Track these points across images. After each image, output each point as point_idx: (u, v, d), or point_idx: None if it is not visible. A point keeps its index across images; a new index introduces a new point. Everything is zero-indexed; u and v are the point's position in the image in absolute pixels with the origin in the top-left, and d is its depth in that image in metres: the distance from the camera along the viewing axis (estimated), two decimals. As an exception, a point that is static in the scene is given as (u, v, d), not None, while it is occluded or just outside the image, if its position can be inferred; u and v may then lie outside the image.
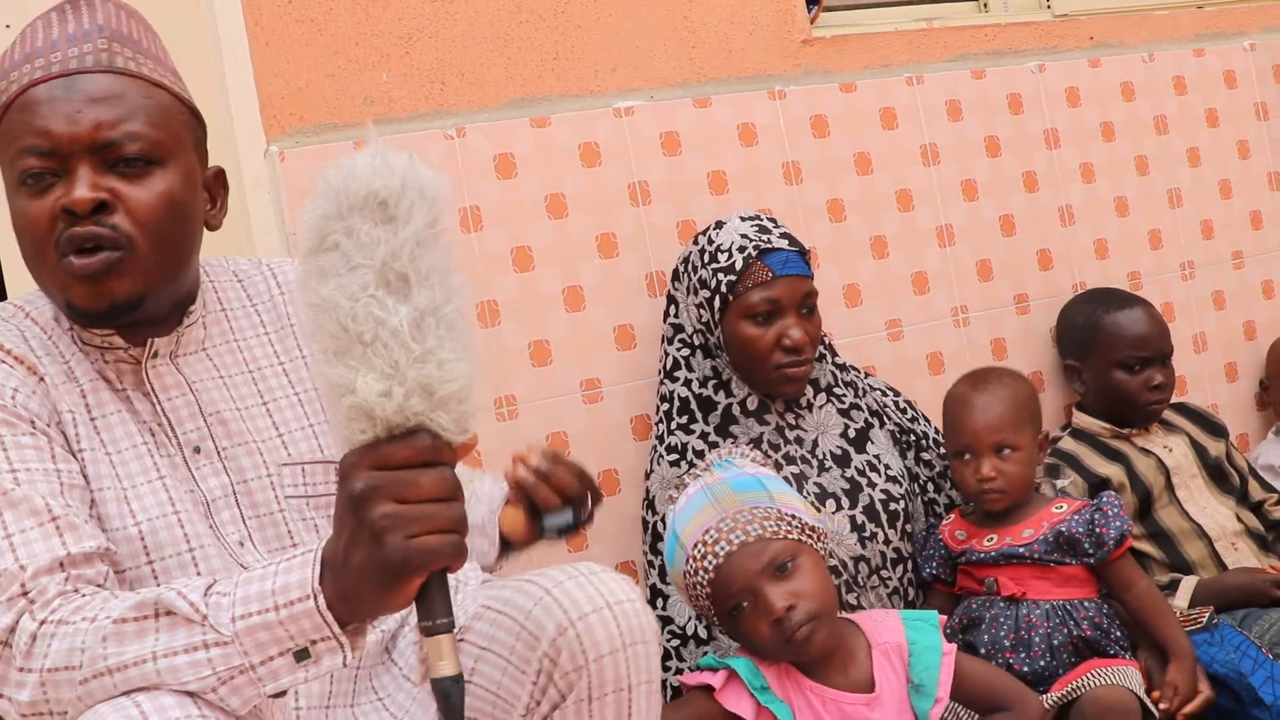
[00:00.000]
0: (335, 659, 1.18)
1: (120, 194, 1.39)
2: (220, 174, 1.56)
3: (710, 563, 1.79)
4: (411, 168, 1.11)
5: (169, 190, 1.42)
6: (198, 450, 1.47)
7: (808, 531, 1.84)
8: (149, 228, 1.40)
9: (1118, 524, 2.07)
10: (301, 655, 1.16)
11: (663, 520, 2.11)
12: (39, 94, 1.39)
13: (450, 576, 1.17)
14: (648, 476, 2.22)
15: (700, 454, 2.15)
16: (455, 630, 1.15)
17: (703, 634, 2.09)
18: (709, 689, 1.83)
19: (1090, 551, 2.07)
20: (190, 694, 1.16)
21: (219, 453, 1.48)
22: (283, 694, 1.20)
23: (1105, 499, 2.12)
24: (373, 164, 1.10)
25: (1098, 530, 2.07)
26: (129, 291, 1.40)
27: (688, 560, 1.82)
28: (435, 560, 1.11)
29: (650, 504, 2.17)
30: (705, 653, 2.02)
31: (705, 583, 1.81)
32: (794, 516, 1.83)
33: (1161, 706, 1.99)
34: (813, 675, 1.84)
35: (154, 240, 1.41)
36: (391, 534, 1.09)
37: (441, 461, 1.12)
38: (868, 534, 2.14)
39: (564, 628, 1.35)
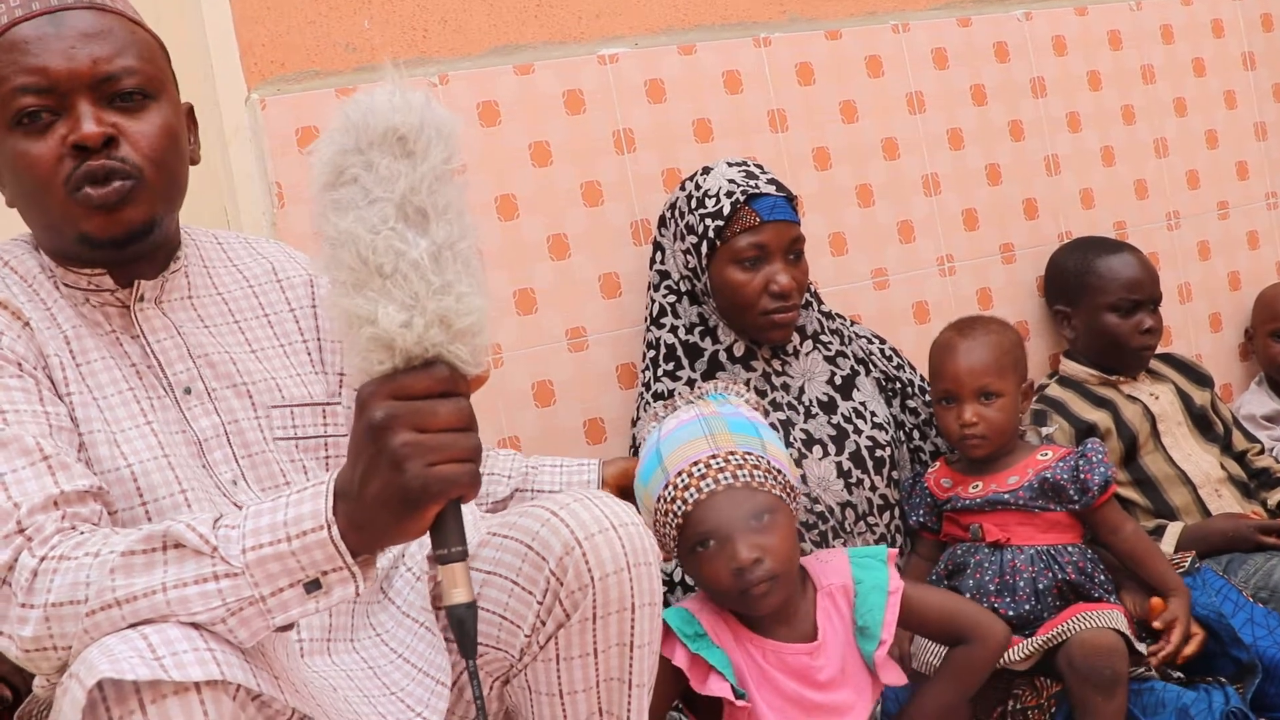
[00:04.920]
0: (347, 589, 1.18)
1: (122, 128, 1.42)
2: (190, 110, 1.58)
3: (691, 495, 1.74)
4: (428, 105, 1.13)
5: (166, 122, 1.45)
6: (188, 391, 1.47)
7: (788, 490, 1.80)
8: (153, 158, 1.43)
9: (1102, 470, 2.08)
10: (312, 586, 1.17)
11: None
12: (25, 32, 1.39)
13: None
14: (634, 424, 2.22)
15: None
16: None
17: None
18: None
19: (1075, 498, 2.08)
20: (197, 626, 1.16)
21: (209, 393, 1.48)
22: (289, 627, 1.20)
23: (1090, 445, 2.13)
24: (391, 100, 1.11)
25: (1082, 476, 2.08)
26: (142, 218, 1.43)
27: (666, 485, 1.77)
28: (453, 489, 1.12)
29: (637, 451, 2.16)
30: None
31: (679, 512, 1.75)
32: (779, 471, 1.80)
33: (1162, 644, 2.01)
34: (754, 628, 1.79)
35: (159, 169, 1.44)
36: (411, 462, 1.10)
37: (458, 392, 1.13)
38: (854, 480, 2.15)
39: (570, 547, 1.36)
